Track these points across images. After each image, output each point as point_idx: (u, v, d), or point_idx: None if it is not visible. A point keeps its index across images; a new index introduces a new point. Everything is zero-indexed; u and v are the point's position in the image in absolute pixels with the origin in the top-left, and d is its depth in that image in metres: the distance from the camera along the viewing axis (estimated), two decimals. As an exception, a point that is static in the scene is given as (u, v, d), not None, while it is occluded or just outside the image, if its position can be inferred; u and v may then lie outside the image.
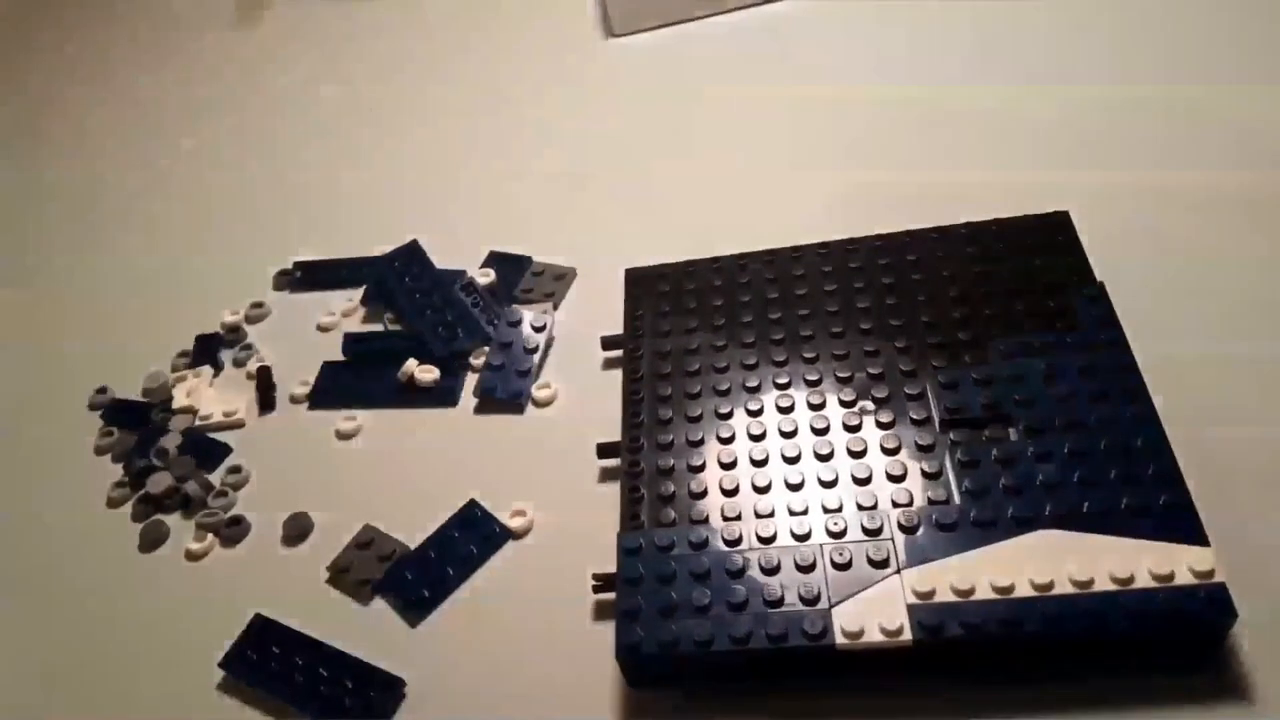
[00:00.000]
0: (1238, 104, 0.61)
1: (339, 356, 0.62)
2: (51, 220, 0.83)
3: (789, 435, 0.48)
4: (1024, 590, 0.40)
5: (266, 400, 0.61)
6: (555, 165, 0.72)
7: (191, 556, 0.54)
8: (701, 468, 0.47)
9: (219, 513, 0.56)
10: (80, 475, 0.61)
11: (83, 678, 0.51)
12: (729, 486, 0.46)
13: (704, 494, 0.46)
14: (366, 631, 0.49)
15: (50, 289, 0.76)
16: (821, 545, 0.43)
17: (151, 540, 0.56)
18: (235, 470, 0.58)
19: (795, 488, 0.45)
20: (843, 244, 0.56)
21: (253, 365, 0.63)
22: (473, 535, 0.51)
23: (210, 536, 0.55)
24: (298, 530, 0.54)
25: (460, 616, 0.48)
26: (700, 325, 0.54)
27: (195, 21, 1.04)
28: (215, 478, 0.58)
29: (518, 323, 0.59)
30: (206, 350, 0.66)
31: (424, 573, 0.50)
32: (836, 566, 0.42)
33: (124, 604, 0.53)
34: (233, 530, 0.55)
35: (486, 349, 0.59)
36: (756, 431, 0.48)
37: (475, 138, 0.77)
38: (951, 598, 0.40)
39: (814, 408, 0.48)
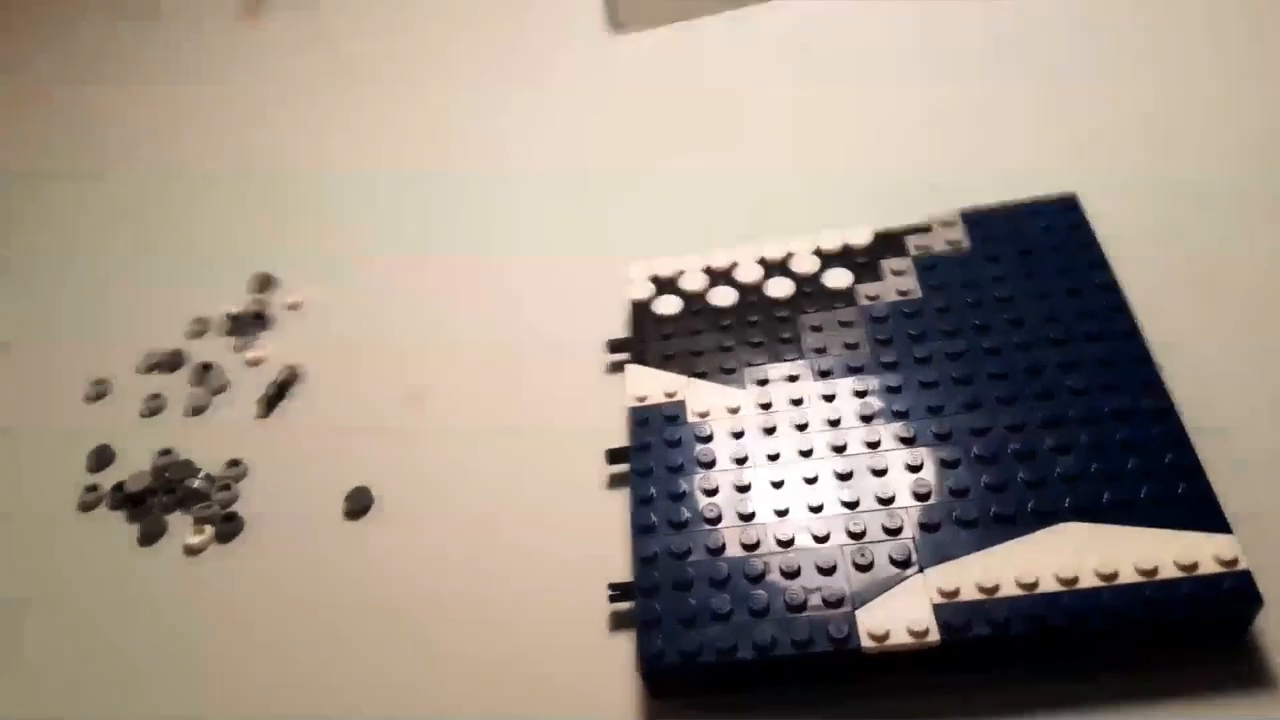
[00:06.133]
0: (1249, 98, 0.60)
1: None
2: (47, 217, 0.82)
3: (802, 429, 0.47)
4: (1049, 585, 0.39)
5: (274, 401, 0.60)
6: (558, 161, 0.71)
7: (190, 551, 0.54)
8: (713, 464, 0.47)
9: (215, 506, 0.56)
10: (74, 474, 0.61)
11: (88, 678, 0.51)
12: (742, 483, 0.46)
13: (716, 491, 0.46)
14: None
15: (44, 287, 0.75)
16: (842, 546, 0.42)
17: (150, 535, 0.56)
18: (235, 464, 0.58)
19: (811, 482, 0.45)
20: (846, 242, 0.55)
21: (252, 354, 0.63)
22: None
23: (209, 529, 0.55)
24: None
25: (470, 630, 0.47)
26: (707, 327, 0.53)
27: (195, 13, 1.02)
28: (216, 471, 0.58)
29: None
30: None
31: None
32: (858, 568, 0.42)
33: (126, 600, 0.53)
34: (227, 526, 0.54)
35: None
36: (768, 426, 0.48)
37: (477, 133, 0.76)
38: (977, 595, 0.40)
39: (826, 399, 0.48)
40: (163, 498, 0.57)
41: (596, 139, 0.72)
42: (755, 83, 0.72)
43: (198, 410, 0.61)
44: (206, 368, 0.63)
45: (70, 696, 0.50)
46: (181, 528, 0.56)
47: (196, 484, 0.57)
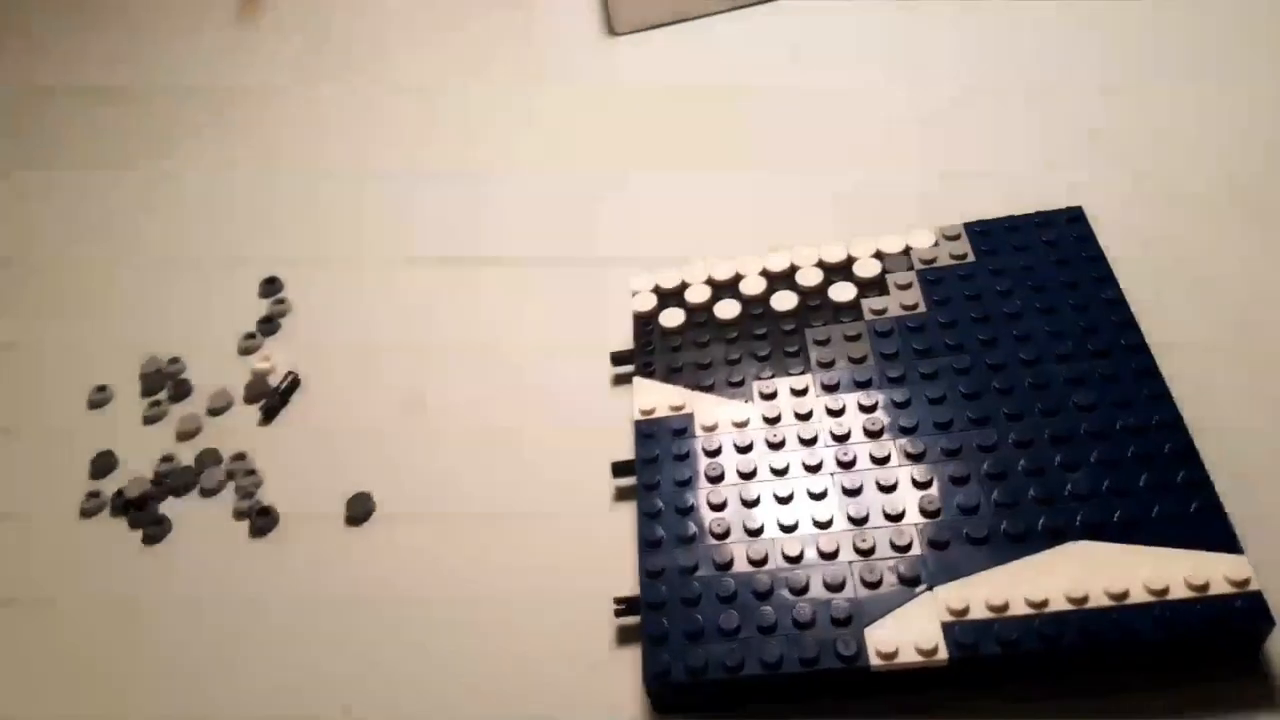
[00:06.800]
0: (1258, 110, 0.60)
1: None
2: (49, 216, 0.81)
3: (809, 443, 0.47)
4: (1059, 604, 0.39)
5: (276, 408, 0.60)
6: (555, 165, 0.71)
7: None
8: (720, 478, 0.47)
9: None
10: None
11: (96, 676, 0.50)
12: (750, 498, 0.45)
13: (724, 505, 0.46)
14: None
15: (48, 287, 0.75)
16: (850, 563, 0.42)
17: (151, 538, 0.56)
18: (240, 457, 0.58)
19: (818, 497, 0.45)
20: (850, 254, 0.55)
21: (260, 362, 0.62)
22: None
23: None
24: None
25: (473, 643, 0.47)
26: (712, 339, 0.53)
27: (195, 13, 1.02)
28: (222, 469, 0.58)
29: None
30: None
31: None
32: (867, 585, 0.41)
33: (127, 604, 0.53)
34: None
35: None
36: (775, 440, 0.47)
37: (475, 136, 0.76)
38: (986, 614, 0.39)
39: (833, 413, 0.48)
40: (165, 502, 0.57)
41: (593, 142, 0.72)
42: (753, 85, 0.72)
43: (186, 435, 0.61)
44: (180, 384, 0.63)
45: (74, 698, 0.50)
46: (185, 533, 0.56)
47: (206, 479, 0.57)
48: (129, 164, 0.84)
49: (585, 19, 0.84)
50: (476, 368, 0.59)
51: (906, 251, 0.54)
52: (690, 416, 0.49)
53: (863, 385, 0.49)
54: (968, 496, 0.43)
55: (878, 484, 0.45)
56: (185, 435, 0.60)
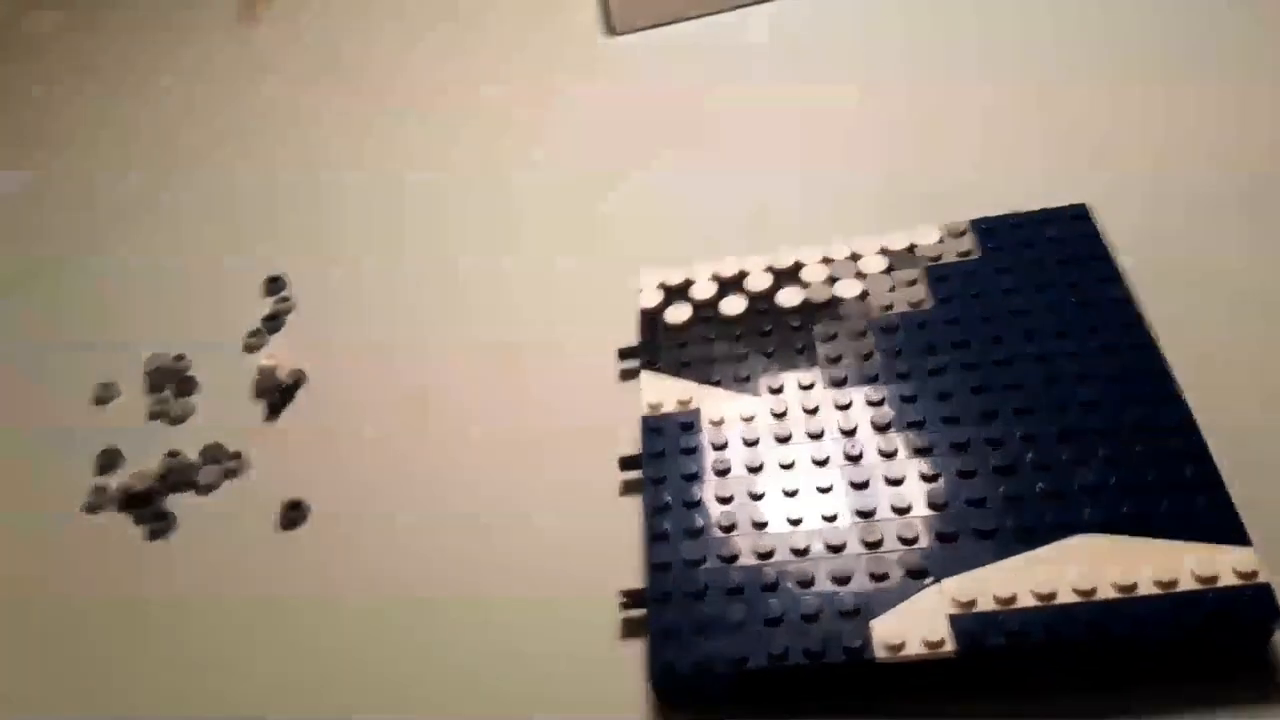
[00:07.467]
0: (1261, 106, 0.60)
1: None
2: (50, 219, 0.82)
3: (816, 437, 0.47)
4: (1066, 597, 0.39)
5: (280, 405, 0.60)
6: (555, 164, 0.71)
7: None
8: (726, 472, 0.47)
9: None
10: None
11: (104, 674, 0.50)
12: (757, 491, 0.45)
13: (730, 499, 0.46)
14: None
15: (53, 284, 0.75)
16: (857, 556, 0.42)
17: (156, 532, 0.56)
18: (235, 456, 0.58)
19: (825, 490, 0.45)
20: (856, 251, 0.55)
21: (265, 360, 0.62)
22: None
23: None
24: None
25: (479, 636, 0.47)
26: (719, 335, 0.53)
27: (195, 18, 1.02)
28: (220, 467, 0.58)
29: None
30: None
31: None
32: (873, 577, 0.41)
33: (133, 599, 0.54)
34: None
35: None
36: (782, 435, 0.47)
37: (475, 136, 0.76)
38: (993, 607, 0.39)
39: (841, 408, 0.48)
40: (170, 498, 0.57)
41: (592, 141, 0.72)
42: (753, 85, 0.72)
43: (176, 420, 0.62)
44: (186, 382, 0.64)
45: (78, 694, 0.50)
46: (190, 529, 0.56)
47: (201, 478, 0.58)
48: (133, 163, 0.85)
49: (585, 19, 0.84)
50: (482, 364, 0.59)
51: (912, 248, 0.54)
52: (697, 411, 0.49)
53: (869, 380, 0.49)
54: (975, 490, 0.43)
55: (885, 478, 0.45)
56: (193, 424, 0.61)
